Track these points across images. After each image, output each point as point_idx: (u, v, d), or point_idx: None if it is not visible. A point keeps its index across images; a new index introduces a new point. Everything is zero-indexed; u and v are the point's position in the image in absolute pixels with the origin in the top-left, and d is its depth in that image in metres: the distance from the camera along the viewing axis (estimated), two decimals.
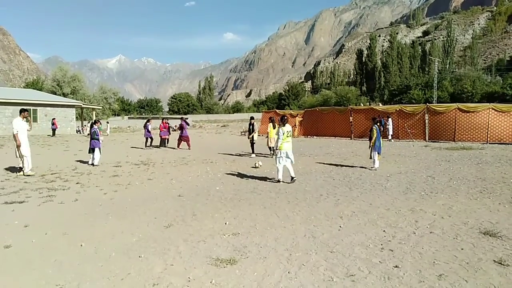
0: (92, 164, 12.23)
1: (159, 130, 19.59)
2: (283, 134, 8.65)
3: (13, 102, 30.63)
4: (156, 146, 19.03)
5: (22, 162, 10.25)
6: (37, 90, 50.97)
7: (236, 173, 10.48)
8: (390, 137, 20.79)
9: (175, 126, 20.02)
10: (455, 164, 11.46)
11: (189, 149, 17.57)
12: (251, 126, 15.31)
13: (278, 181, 8.81)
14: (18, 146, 10.09)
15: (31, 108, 31.62)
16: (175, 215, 6.16)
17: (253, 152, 14.99)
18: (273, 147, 14.32)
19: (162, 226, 5.55)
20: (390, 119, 20.98)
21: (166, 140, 19.36)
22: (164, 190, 8.25)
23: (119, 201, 7.19)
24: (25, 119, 10.45)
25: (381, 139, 11.03)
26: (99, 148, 12.51)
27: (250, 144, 15.35)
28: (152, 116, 75.36)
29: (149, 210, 6.51)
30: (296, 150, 16.54)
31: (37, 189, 8.23)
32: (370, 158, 11.22)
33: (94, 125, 13.02)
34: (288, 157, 8.74)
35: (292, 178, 8.74)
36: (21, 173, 10.24)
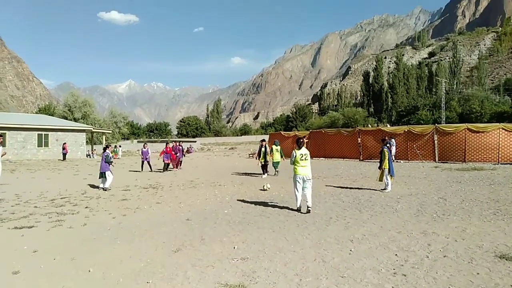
0: (103, 189, 12.17)
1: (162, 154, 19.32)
2: (295, 157, 8.09)
3: (25, 127, 31.23)
4: (160, 170, 19.02)
5: None
6: (49, 115, 52.02)
7: (245, 196, 10.42)
8: (393, 158, 20.57)
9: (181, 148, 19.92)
10: (467, 185, 11.28)
11: (174, 168, 19.40)
12: (263, 149, 15.69)
13: (297, 209, 8.11)
14: None
15: (43, 133, 32.20)
16: (183, 239, 6.11)
17: (264, 173, 15.61)
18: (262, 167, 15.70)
19: (170, 250, 5.51)
20: (393, 140, 20.78)
21: (167, 164, 18.95)
22: (173, 214, 8.22)
23: (128, 225, 7.18)
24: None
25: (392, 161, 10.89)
26: (111, 171, 12.46)
27: (262, 166, 15.81)
28: (161, 139, 76.11)
29: (158, 234, 6.48)
30: None
31: (46, 214, 8.26)
32: (380, 180, 11.09)
33: (106, 149, 13.11)
34: (306, 182, 8.01)
35: (308, 208, 7.94)
36: None
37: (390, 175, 10.77)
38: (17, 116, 44.26)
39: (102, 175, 12.40)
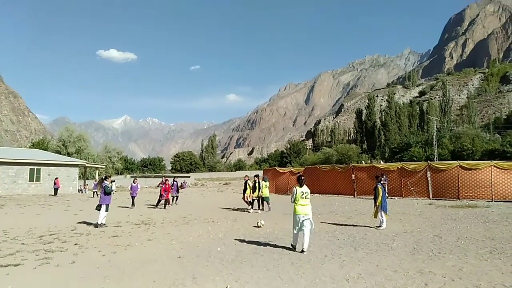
0: (96, 224, 11.71)
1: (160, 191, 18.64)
2: (296, 194, 7.86)
3: (17, 162, 30.94)
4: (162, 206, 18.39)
5: None
6: (42, 150, 51.69)
7: (238, 233, 10.25)
8: (386, 194, 20.48)
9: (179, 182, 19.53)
10: (462, 223, 11.23)
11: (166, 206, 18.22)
12: (257, 184, 16.19)
13: (292, 247, 7.94)
14: None
15: (35, 167, 31.86)
16: (174, 278, 5.94)
17: (257, 208, 16.25)
18: (249, 201, 16.29)
19: None
20: (384, 177, 20.72)
21: (168, 200, 18.40)
22: (164, 251, 8.03)
23: (118, 263, 6.98)
24: None
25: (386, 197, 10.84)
26: (107, 205, 12.00)
27: (252, 200, 16.34)
28: (155, 174, 75.51)
29: (148, 272, 6.30)
30: None
31: (34, 251, 8.03)
32: (375, 217, 11.03)
33: (105, 180, 12.40)
34: (304, 223, 7.64)
35: (303, 249, 7.57)
36: None
37: (384, 212, 10.70)
38: (9, 150, 43.93)
39: (100, 207, 11.93)
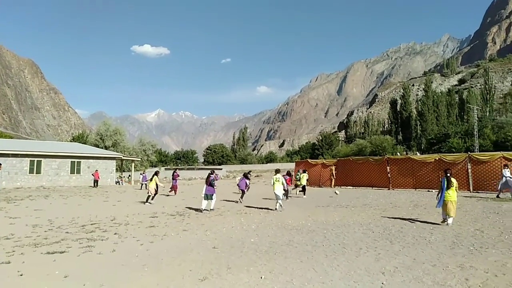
0: (207, 210, 13.45)
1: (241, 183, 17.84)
2: (273, 179, 13.77)
3: (59, 155, 32.56)
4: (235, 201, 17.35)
5: None
6: (82, 143, 54.03)
7: (271, 225, 10.30)
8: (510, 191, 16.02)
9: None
10: (505, 217, 10.69)
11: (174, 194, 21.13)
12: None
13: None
14: None
15: (76, 160, 33.39)
16: (210, 267, 6.07)
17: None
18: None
19: (197, 279, 5.47)
20: (507, 170, 15.99)
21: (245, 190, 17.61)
22: (199, 242, 8.21)
23: (155, 253, 7.21)
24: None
25: (445, 193, 9.76)
26: (214, 195, 13.73)
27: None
28: (188, 167, 77.07)
29: (184, 262, 6.47)
30: (332, 201, 16.22)
31: (77, 239, 8.45)
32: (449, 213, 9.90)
33: (211, 175, 14.19)
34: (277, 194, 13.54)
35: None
36: None
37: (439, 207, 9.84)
38: (52, 144, 46.28)
39: (208, 197, 13.57)
